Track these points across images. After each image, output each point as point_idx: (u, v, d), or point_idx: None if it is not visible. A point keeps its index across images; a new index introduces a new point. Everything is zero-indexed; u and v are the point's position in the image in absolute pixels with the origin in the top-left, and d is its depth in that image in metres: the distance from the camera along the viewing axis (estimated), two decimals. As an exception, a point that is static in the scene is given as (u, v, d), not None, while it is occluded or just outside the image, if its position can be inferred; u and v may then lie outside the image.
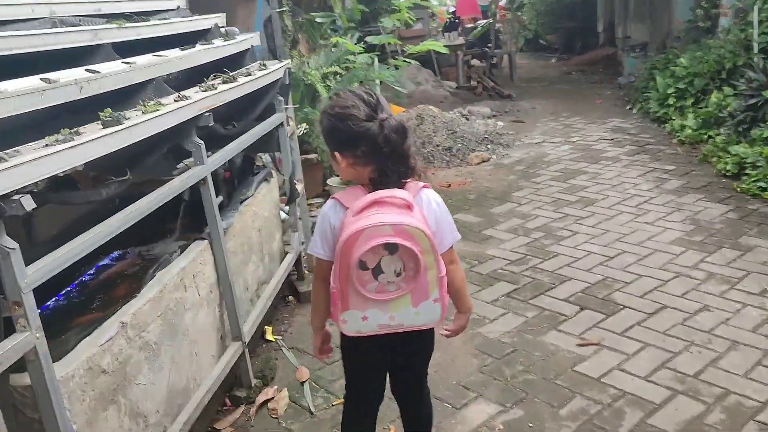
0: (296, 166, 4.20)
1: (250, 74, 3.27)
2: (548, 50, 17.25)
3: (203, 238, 2.78)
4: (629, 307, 3.56)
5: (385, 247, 1.73)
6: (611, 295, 3.72)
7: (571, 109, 9.46)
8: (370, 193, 1.82)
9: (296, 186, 3.99)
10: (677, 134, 7.02)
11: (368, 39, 5.24)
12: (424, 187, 1.92)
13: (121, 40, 2.75)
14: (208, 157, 2.69)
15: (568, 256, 4.28)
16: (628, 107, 9.10)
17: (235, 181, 3.76)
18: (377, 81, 8.10)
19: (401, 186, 1.86)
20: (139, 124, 2.13)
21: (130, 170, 2.26)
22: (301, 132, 5.82)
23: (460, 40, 12.06)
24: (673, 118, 7.55)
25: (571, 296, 3.74)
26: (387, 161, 1.82)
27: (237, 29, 3.81)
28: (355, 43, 5.81)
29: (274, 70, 3.57)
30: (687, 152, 6.56)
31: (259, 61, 3.63)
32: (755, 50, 7.11)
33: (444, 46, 12.05)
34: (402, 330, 1.90)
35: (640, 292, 3.72)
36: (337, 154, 1.86)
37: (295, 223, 4.05)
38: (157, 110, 2.31)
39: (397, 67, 5.65)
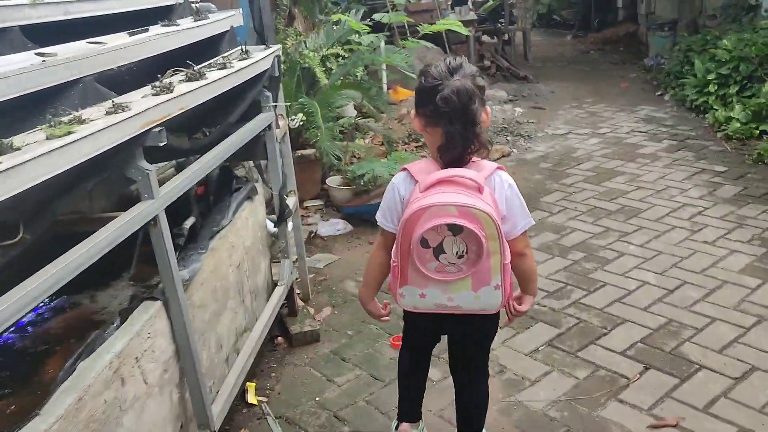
0: (288, 175, 3.43)
1: (226, 66, 2.48)
2: (563, 26, 16.30)
3: (154, 298, 2.02)
4: (707, 368, 2.81)
5: (448, 227, 1.72)
6: (681, 347, 2.97)
7: (594, 93, 8.62)
8: (440, 167, 1.83)
9: (287, 202, 3.22)
10: (722, 127, 6.22)
11: (375, 16, 4.41)
12: (498, 168, 1.88)
13: (37, 21, 1.96)
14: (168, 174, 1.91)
15: (618, 287, 3.53)
16: (658, 93, 8.27)
17: (210, 197, 2.99)
18: (383, 65, 7.29)
19: (468, 156, 1.82)
20: (33, 161, 1.36)
21: (27, 228, 1.49)
22: (297, 124, 5.03)
23: (472, 15, 11.16)
24: (716, 107, 6.73)
25: (630, 347, 2.99)
26: (451, 125, 1.76)
27: (213, 5, 3.01)
28: (360, 20, 4.98)
29: (260, 59, 2.78)
30: (736, 149, 5.76)
31: (241, 47, 2.84)
32: (811, 32, 6.30)
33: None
34: (459, 312, 1.89)
35: (718, 344, 2.97)
36: (412, 111, 1.88)
37: (286, 248, 3.28)
38: (72, 132, 1.53)
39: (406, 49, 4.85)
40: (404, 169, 1.91)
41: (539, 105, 8.03)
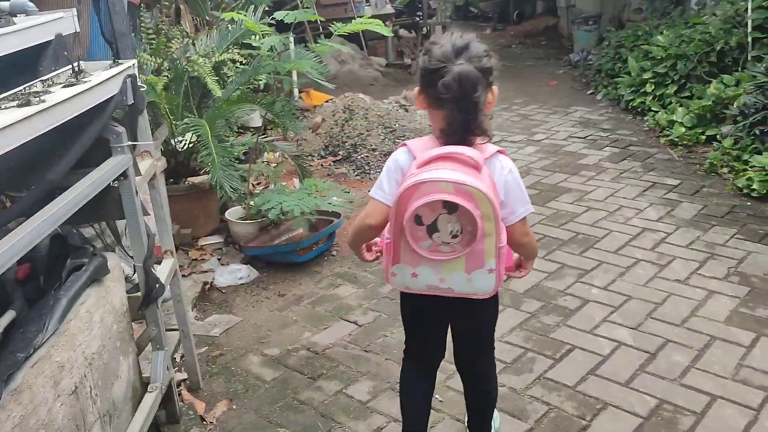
0: (163, 231, 2.56)
1: (30, 102, 1.59)
2: (480, 19, 15.84)
3: None
4: (723, 479, 2.16)
5: (443, 204, 1.67)
6: (684, 446, 2.32)
7: (523, 93, 8.05)
8: (440, 145, 1.76)
9: (157, 273, 2.34)
10: (665, 132, 5.73)
11: (277, 15, 3.55)
12: (499, 152, 1.82)
13: None
14: None
15: (589, 352, 2.85)
16: (590, 92, 7.78)
17: (40, 278, 2.09)
18: (293, 73, 6.43)
19: (470, 142, 1.75)
20: None
21: None
22: (185, 146, 4.13)
23: (389, 9, 10.44)
24: (654, 109, 6.26)
25: (620, 448, 2.31)
26: (452, 112, 1.70)
27: (31, 3, 2.09)
28: (262, 19, 4.11)
29: (98, 83, 1.90)
30: (684, 157, 5.27)
31: (72, 65, 1.94)
32: (749, 28, 5.90)
33: (372, 17, 10.45)
34: (451, 295, 1.83)
35: (727, 437, 2.33)
36: (417, 89, 1.81)
37: (158, 337, 2.40)
38: None
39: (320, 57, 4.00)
40: (404, 144, 1.85)
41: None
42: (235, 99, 3.83)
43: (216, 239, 4.21)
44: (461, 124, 1.71)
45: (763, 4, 5.80)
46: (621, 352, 2.84)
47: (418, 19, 11.62)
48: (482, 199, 1.64)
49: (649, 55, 6.79)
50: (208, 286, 3.66)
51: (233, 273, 3.73)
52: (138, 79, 2.25)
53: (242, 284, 3.69)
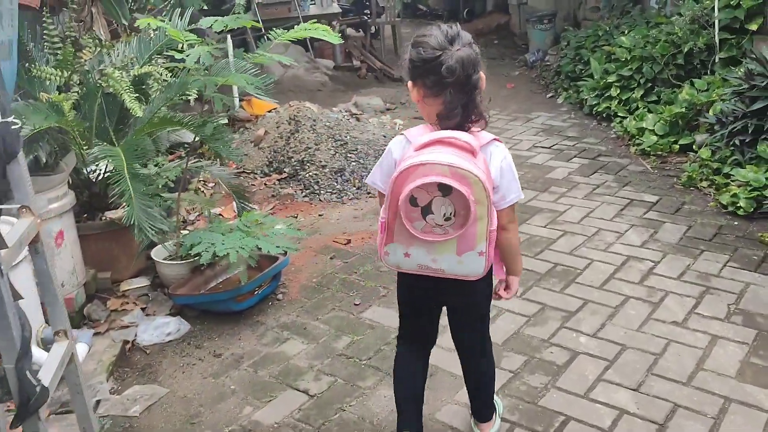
0: (56, 304, 1.98)
1: None
2: (429, 16, 15.39)
3: None
4: None
5: (438, 187, 1.70)
6: None
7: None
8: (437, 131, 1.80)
9: (40, 374, 1.76)
10: (636, 141, 5.36)
11: (203, 22, 2.97)
12: (495, 140, 1.87)
13: None
14: None
15: (588, 426, 2.39)
16: (550, 95, 7.40)
17: None
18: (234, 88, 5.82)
19: (468, 125, 1.81)
20: None
21: None
22: (100, 175, 3.52)
23: (335, 8, 9.88)
24: (621, 114, 5.90)
25: None
26: (453, 95, 1.74)
27: None
28: (190, 24, 3.52)
29: None
30: (658, 168, 4.90)
31: None
32: (716, 29, 5.58)
33: (317, 16, 9.86)
34: (442, 276, 1.87)
35: None
36: (410, 83, 1.83)
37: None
38: None
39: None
40: (401, 133, 1.90)
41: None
42: (157, 121, 3.23)
43: (142, 282, 3.60)
44: (463, 107, 1.76)
45: (731, 2, 5.48)
46: (625, 424, 2.38)
47: (366, 17, 11.10)
48: (476, 184, 1.68)
49: (612, 56, 6.45)
50: (129, 345, 3.07)
51: (159, 328, 3.14)
52: (6, 113, 1.67)
53: (171, 341, 3.10)
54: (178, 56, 2.97)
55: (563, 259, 3.64)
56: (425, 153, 1.72)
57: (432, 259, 1.82)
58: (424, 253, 1.82)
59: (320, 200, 4.74)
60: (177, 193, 3.60)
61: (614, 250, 3.70)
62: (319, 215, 4.48)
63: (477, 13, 13.71)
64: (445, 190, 1.69)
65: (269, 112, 6.06)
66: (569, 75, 7.19)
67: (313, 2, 9.98)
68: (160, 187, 3.78)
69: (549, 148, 5.59)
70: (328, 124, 5.61)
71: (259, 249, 3.15)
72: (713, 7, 5.61)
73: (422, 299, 2.08)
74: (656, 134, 5.22)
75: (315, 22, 3.32)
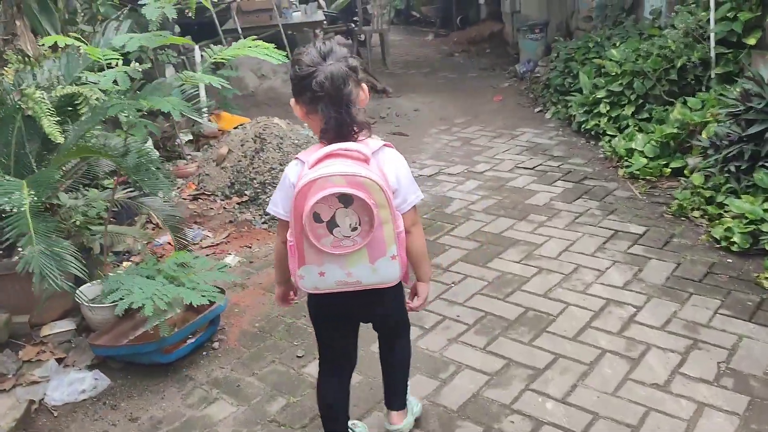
0: None
1: None
2: (422, 23, 15.07)
3: None
4: None
5: (339, 199, 1.72)
6: None
7: (465, 110, 7.25)
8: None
9: None
10: (624, 163, 4.99)
11: (115, 41, 2.60)
12: (386, 145, 1.90)
13: None
14: None
15: None
16: (537, 109, 7.03)
17: None
18: (201, 89, 5.46)
19: (351, 137, 1.83)
20: None
21: None
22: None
23: (319, 15, 9.51)
24: (610, 133, 5.53)
25: None
26: (329, 109, 1.78)
27: None
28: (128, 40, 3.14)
29: None
30: (647, 194, 4.52)
31: None
32: (712, 43, 5.21)
33: (302, 24, 9.51)
34: (361, 288, 1.87)
35: None
36: (292, 100, 1.89)
37: None
38: None
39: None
40: (295, 158, 1.88)
41: (401, 131, 6.50)
42: (74, 150, 2.87)
43: (66, 326, 3.24)
44: (337, 119, 1.79)
45: (727, 15, 5.11)
46: None
47: (353, 26, 10.76)
48: (374, 188, 1.73)
49: (603, 70, 6.08)
50: (35, 406, 2.70)
51: (73, 384, 2.77)
52: None
53: (84, 400, 2.74)
54: (92, 78, 2.61)
55: (536, 303, 3.26)
56: (319, 168, 1.74)
57: (347, 273, 1.83)
58: (337, 269, 1.83)
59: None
60: (104, 226, 3.23)
61: (593, 292, 3.33)
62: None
63: (471, 21, 13.38)
64: (345, 200, 1.72)
65: (235, 128, 5.69)
66: (558, 89, 6.82)
67: (297, 10, 9.63)
68: (96, 215, 3.43)
69: (532, 169, 5.22)
70: (296, 142, 5.24)
71: (182, 299, 2.77)
72: (708, 20, 5.25)
73: (338, 318, 2.06)
74: (646, 156, 4.85)
75: (255, 38, 2.97)
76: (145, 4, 2.90)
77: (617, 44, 6.30)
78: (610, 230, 4.02)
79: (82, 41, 2.76)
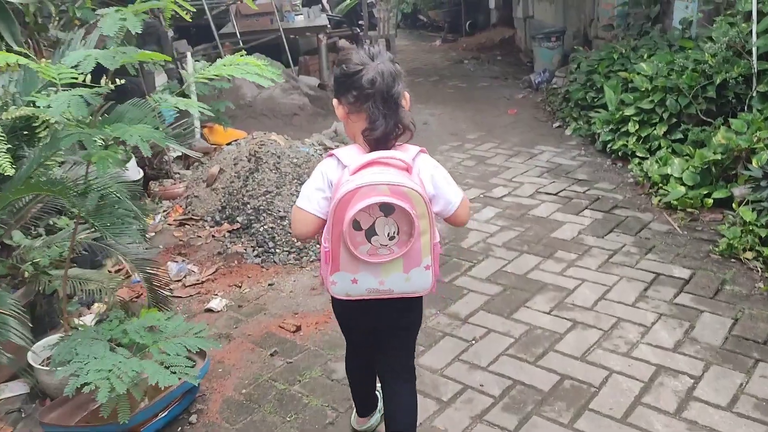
0: None
1: None
2: (430, 28, 14.61)
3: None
4: None
5: (380, 207, 1.71)
6: None
7: (478, 125, 6.75)
8: (366, 151, 1.82)
9: None
10: (660, 191, 4.49)
11: (69, 59, 2.11)
12: (421, 151, 1.87)
13: None
14: None
15: None
16: (556, 124, 6.52)
17: None
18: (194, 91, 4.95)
19: (394, 139, 1.84)
20: None
21: None
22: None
23: (323, 19, 9.03)
24: (640, 154, 5.04)
25: None
26: (376, 107, 1.78)
27: None
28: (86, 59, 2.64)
29: None
30: (688, 228, 4.02)
31: None
32: (754, 57, 4.72)
33: (304, 29, 9.02)
34: (389, 297, 1.86)
35: None
36: (335, 100, 1.87)
37: None
38: None
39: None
40: (331, 155, 1.86)
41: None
42: (23, 187, 2.38)
43: (18, 389, 2.75)
44: (386, 118, 1.78)
45: (772, 26, 4.63)
46: None
47: (358, 30, 10.28)
48: (417, 199, 1.72)
49: (630, 85, 5.59)
50: (-33, 502, 2.21)
51: (16, 473, 2.28)
52: None
53: (28, 495, 2.24)
54: (41, 103, 2.11)
55: (573, 369, 2.76)
56: (362, 175, 1.72)
57: (380, 282, 1.81)
58: (371, 277, 1.80)
59: (274, 262, 3.87)
60: (64, 271, 2.73)
61: (640, 355, 2.83)
62: (269, 284, 3.61)
63: (480, 26, 12.92)
64: (386, 209, 1.71)
65: (229, 144, 5.21)
66: (579, 103, 6.33)
67: (298, 13, 9.15)
68: (59, 256, 2.93)
69: (555, 195, 4.72)
70: (295, 160, 4.75)
71: (144, 376, 2.26)
72: (750, 32, 4.77)
73: (363, 322, 2.07)
74: (684, 184, 4.35)
75: (242, 54, 2.48)
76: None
77: (645, 56, 5.80)
78: (650, 273, 3.52)
79: (31, 58, 2.27)
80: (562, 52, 8.31)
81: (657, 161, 4.75)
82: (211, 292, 3.58)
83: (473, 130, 6.52)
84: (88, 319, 3.03)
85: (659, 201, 4.41)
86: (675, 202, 4.27)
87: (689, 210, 4.20)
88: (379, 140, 1.79)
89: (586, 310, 3.21)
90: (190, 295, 3.54)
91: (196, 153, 4.64)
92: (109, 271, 3.77)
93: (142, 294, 3.54)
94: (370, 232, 1.73)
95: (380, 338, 2.10)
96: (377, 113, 1.77)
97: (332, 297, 1.94)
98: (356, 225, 1.72)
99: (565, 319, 3.14)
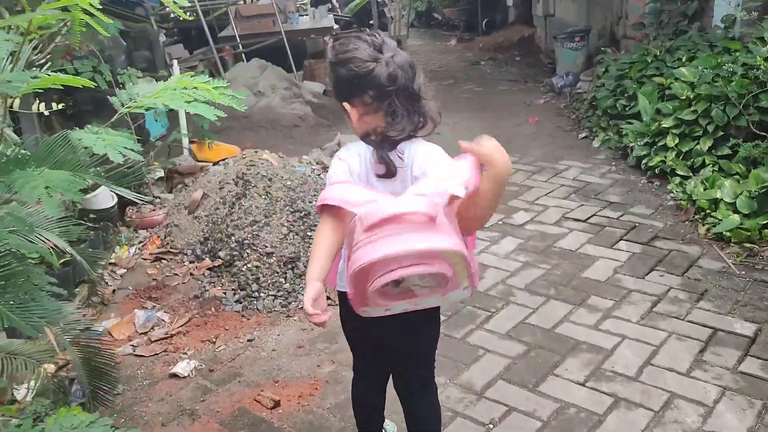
0: None
1: None
2: (445, 27, 13.99)
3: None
4: None
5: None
6: None
7: (495, 134, 5.76)
8: (376, 158, 1.66)
9: None
10: (708, 218, 3.87)
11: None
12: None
13: None
14: None
15: None
16: (582, 135, 5.90)
17: None
18: (182, 116, 4.37)
19: (414, 133, 1.67)
20: None
21: None
22: None
23: (329, 20, 8.47)
24: (681, 173, 4.42)
25: None
26: (397, 104, 1.62)
27: None
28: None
29: None
30: (745, 266, 3.41)
31: None
32: (813, 59, 4.08)
33: (309, 30, 8.48)
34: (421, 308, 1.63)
35: None
36: (346, 105, 1.68)
37: None
38: None
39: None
40: (340, 159, 1.69)
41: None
42: None
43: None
44: (409, 115, 1.64)
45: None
46: None
47: (368, 30, 9.72)
48: (452, 256, 1.45)
49: (667, 92, 4.97)
50: None
51: None
52: None
53: None
54: None
55: (618, 469, 2.18)
56: (381, 238, 1.42)
57: (414, 303, 1.57)
58: (404, 304, 1.56)
59: (257, 309, 3.32)
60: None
61: (702, 449, 2.24)
62: (249, 340, 3.06)
63: (498, 25, 12.28)
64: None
65: (216, 164, 4.67)
66: (608, 112, 5.70)
67: (304, 14, 8.60)
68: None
69: (585, 221, 4.12)
70: (289, 183, 4.19)
71: None
72: (811, 32, 4.14)
73: (372, 333, 1.88)
74: (738, 211, 3.73)
75: (193, 74, 1.93)
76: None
77: (684, 59, 5.17)
78: (705, 328, 2.92)
79: None
80: (586, 53, 7.68)
81: (703, 182, 4.13)
82: (180, 349, 3.03)
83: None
84: (20, 395, 2.50)
85: (707, 231, 3.79)
86: (728, 234, 3.65)
87: (746, 244, 3.58)
88: (397, 140, 1.64)
89: (629, 380, 2.61)
90: (155, 354, 2.99)
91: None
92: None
93: (104, 349, 3.01)
94: (399, 282, 1.48)
95: (397, 352, 1.92)
96: (400, 111, 1.62)
97: (341, 316, 1.81)
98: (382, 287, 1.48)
99: (605, 393, 2.55)
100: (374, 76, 1.61)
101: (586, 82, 6.94)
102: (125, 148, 1.68)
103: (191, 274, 3.70)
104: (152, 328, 3.22)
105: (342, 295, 1.78)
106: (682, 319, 3.00)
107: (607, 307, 3.14)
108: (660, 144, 4.72)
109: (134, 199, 2.29)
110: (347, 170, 1.68)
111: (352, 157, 1.70)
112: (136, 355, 2.98)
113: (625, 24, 7.35)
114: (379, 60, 1.61)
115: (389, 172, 1.66)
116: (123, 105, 1.92)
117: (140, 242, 4.12)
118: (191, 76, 1.96)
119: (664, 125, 4.70)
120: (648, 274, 3.43)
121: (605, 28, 7.92)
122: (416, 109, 1.65)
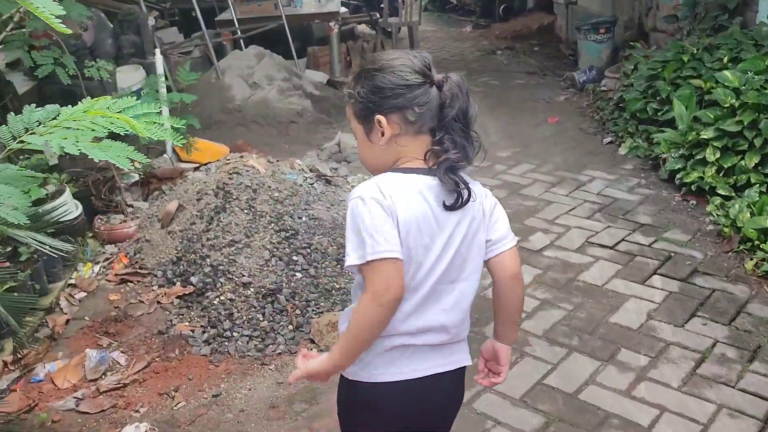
0: None
1: None
2: (460, 11, 13.35)
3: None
4: None
5: None
6: None
7: (510, 136, 5.61)
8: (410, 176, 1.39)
9: None
10: (756, 250, 3.35)
11: None
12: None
13: None
14: None
15: None
16: (607, 140, 5.35)
17: None
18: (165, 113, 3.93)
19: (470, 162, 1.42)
20: None
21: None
22: None
23: (335, 5, 7.90)
24: (722, 192, 3.89)
25: None
26: (452, 129, 1.37)
27: None
28: None
29: None
30: (804, 318, 2.89)
31: None
32: None
33: (314, 15, 7.93)
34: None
35: None
36: (381, 117, 1.38)
37: None
38: None
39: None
40: (374, 198, 1.33)
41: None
42: None
43: None
44: (464, 145, 1.39)
45: None
46: None
47: (378, 16, 9.16)
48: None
49: (707, 97, 4.41)
50: None
51: None
52: None
53: None
54: None
55: None
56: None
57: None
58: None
59: (229, 352, 2.84)
60: None
61: None
62: (214, 396, 2.58)
63: (516, 11, 11.64)
64: None
65: (197, 169, 4.17)
66: (637, 116, 5.14)
67: (306, -2, 8.04)
68: None
69: (611, 248, 3.60)
70: (276, 195, 3.70)
71: None
72: None
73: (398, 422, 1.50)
74: (795, 246, 3.21)
75: (105, 99, 1.44)
76: None
77: (726, 60, 4.60)
78: (762, 401, 2.41)
79: None
80: (612, 47, 7.09)
81: (749, 206, 3.60)
82: (132, 404, 2.56)
83: (505, 145, 5.38)
84: None
85: (756, 267, 3.27)
86: (783, 273, 3.14)
87: (803, 286, 3.07)
88: (450, 172, 1.38)
89: (672, 474, 2.12)
90: (102, 410, 2.52)
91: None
92: (4, 362, 2.78)
93: (38, 404, 2.56)
94: None
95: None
96: (456, 139, 1.37)
97: (349, 390, 1.51)
98: None
99: (642, 492, 2.06)
100: (425, 92, 1.38)
101: (611, 79, 6.36)
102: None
103: (158, 302, 3.23)
104: (104, 373, 2.75)
105: (354, 391, 1.48)
106: (733, 386, 2.50)
107: (641, 366, 2.64)
108: (698, 157, 4.17)
109: (59, 250, 1.79)
110: (392, 224, 1.33)
111: (398, 194, 1.34)
112: (79, 412, 2.52)
113: (655, 15, 6.74)
114: (430, 76, 1.39)
115: (461, 201, 1.37)
116: (15, 138, 1.45)
117: (106, 259, 3.65)
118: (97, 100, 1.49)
119: (703, 136, 4.15)
120: (688, 321, 2.92)
121: (633, 19, 7.31)
122: (469, 141, 1.40)
